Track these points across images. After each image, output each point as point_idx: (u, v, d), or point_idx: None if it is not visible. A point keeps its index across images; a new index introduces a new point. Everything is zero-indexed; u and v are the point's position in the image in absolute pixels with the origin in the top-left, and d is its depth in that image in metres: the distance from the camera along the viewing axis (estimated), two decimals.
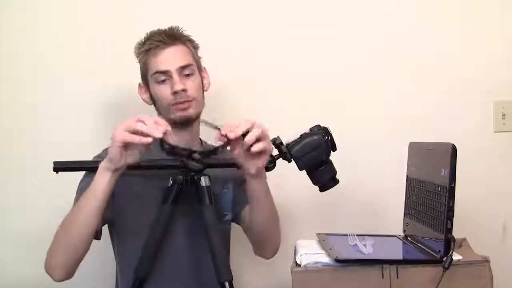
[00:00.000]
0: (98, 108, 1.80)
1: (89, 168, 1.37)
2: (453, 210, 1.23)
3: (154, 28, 1.49)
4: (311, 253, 1.30)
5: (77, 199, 1.38)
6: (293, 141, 1.37)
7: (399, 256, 1.40)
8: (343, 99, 1.90)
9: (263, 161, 1.32)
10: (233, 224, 1.58)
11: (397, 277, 1.22)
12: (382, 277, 1.22)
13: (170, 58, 1.43)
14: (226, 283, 1.30)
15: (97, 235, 1.39)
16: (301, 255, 1.30)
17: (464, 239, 1.40)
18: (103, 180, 1.28)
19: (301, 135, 1.38)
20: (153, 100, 1.49)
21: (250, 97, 1.85)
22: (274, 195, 1.47)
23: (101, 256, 1.56)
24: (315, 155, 1.36)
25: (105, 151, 1.33)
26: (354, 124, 1.87)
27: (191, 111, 1.45)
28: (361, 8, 1.92)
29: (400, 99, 1.92)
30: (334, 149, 1.38)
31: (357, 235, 1.39)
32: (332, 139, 1.37)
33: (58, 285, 1.49)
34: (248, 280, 1.81)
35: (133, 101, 1.58)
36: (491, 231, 1.93)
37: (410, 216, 1.48)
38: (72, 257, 1.33)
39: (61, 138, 1.78)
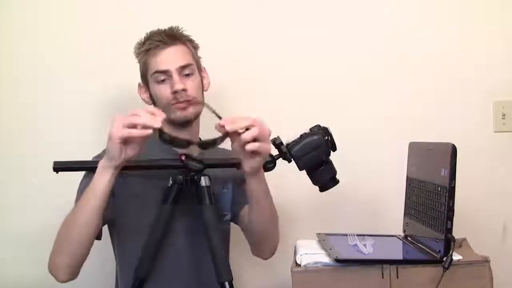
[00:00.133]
0: (98, 108, 1.80)
1: (89, 168, 1.37)
2: (453, 210, 1.23)
3: (154, 28, 1.49)
4: (311, 253, 1.30)
5: (77, 199, 1.38)
6: (293, 141, 1.37)
7: (399, 256, 1.40)
8: (343, 99, 1.90)
9: (258, 161, 1.31)
10: (233, 224, 1.58)
11: (397, 277, 1.22)
12: (382, 277, 1.22)
13: (170, 58, 1.43)
14: (226, 283, 1.30)
15: (98, 235, 1.39)
16: (301, 255, 1.30)
17: (464, 239, 1.39)
18: (103, 179, 1.27)
19: (301, 135, 1.38)
20: (153, 100, 1.49)
21: (250, 97, 1.85)
22: (274, 195, 1.47)
23: (101, 256, 1.56)
24: (315, 155, 1.36)
25: (105, 151, 1.32)
26: (354, 124, 1.87)
27: (190, 111, 1.45)
28: (361, 8, 1.92)
29: (400, 99, 1.92)
30: (334, 149, 1.38)
31: (357, 235, 1.39)
32: (332, 139, 1.37)
33: (58, 285, 1.50)
34: (248, 280, 1.81)
35: (133, 101, 1.58)
36: (491, 231, 1.93)
37: (410, 216, 1.48)
38: (75, 257, 1.33)
39: (61, 138, 1.78)
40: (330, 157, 1.38)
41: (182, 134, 1.47)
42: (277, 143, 1.37)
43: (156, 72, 1.43)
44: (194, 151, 1.49)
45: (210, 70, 1.55)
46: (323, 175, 1.38)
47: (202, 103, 1.46)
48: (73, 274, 1.35)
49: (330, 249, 1.31)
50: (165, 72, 1.43)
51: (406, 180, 1.52)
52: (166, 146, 1.48)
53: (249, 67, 1.86)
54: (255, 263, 1.65)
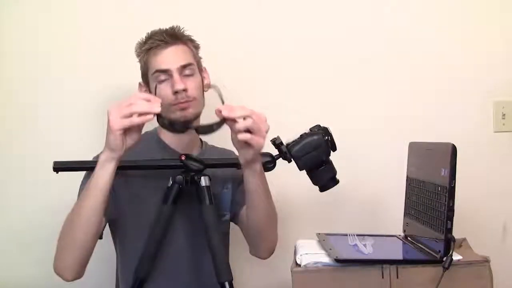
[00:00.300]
0: (98, 108, 1.80)
1: (89, 168, 1.37)
2: (453, 210, 1.23)
3: (154, 28, 1.49)
4: (311, 253, 1.30)
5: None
6: (293, 141, 1.37)
7: (399, 256, 1.40)
8: (343, 99, 1.90)
9: (251, 154, 1.32)
10: (233, 225, 1.58)
11: (397, 277, 1.22)
12: (382, 277, 1.22)
13: (171, 57, 1.43)
14: (226, 283, 1.30)
15: (100, 234, 1.39)
16: (301, 255, 1.30)
17: (464, 239, 1.39)
18: (106, 172, 1.27)
19: (301, 135, 1.38)
20: None
21: (250, 97, 1.84)
22: (274, 195, 1.47)
23: (102, 256, 1.55)
24: (315, 155, 1.36)
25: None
26: (354, 124, 1.87)
27: (190, 111, 1.44)
28: (361, 8, 1.92)
29: (400, 99, 1.93)
30: (334, 149, 1.38)
31: (357, 235, 1.39)
32: (332, 139, 1.37)
33: (58, 285, 1.49)
34: (248, 280, 1.81)
35: None
36: (491, 231, 1.93)
37: (410, 216, 1.48)
38: (80, 255, 1.33)
39: (61, 138, 1.78)
40: (330, 157, 1.38)
41: (182, 137, 1.47)
42: (277, 143, 1.37)
43: (157, 71, 1.43)
44: (195, 151, 1.50)
45: (210, 70, 1.55)
46: (323, 175, 1.38)
47: (202, 104, 1.46)
48: (79, 273, 1.35)
49: (330, 249, 1.31)
50: (165, 71, 1.43)
51: (406, 180, 1.52)
52: (166, 146, 1.50)
53: (249, 67, 1.86)
54: (255, 263, 1.65)
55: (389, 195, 1.84)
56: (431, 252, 1.29)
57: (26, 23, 1.80)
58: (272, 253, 1.56)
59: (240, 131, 1.26)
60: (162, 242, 1.37)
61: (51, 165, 1.38)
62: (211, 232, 1.33)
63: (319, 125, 1.39)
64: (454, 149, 1.23)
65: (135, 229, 1.44)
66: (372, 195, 1.90)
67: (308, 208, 1.85)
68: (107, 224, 1.44)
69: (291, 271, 1.27)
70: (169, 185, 1.36)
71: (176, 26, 1.48)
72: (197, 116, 1.47)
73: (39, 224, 1.76)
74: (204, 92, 1.51)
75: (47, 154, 1.45)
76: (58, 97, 1.80)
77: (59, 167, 1.39)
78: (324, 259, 1.26)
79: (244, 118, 1.26)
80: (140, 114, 1.21)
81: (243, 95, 1.84)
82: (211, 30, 1.79)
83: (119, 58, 1.75)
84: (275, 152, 1.40)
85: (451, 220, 1.23)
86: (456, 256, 1.23)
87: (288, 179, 1.60)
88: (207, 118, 1.48)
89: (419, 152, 1.48)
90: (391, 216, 1.65)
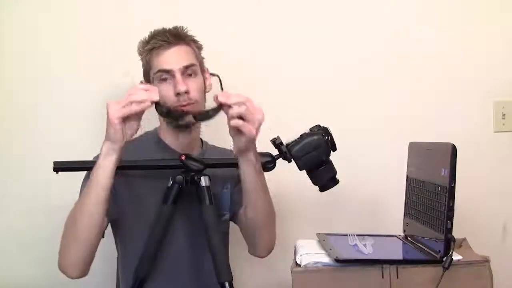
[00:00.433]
0: (98, 108, 1.79)
1: (89, 168, 1.37)
2: (453, 210, 1.23)
3: (154, 28, 1.48)
4: (311, 253, 1.30)
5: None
6: (293, 141, 1.37)
7: (399, 256, 1.40)
8: (343, 99, 1.90)
9: (243, 142, 1.32)
10: (233, 225, 1.58)
11: (397, 277, 1.22)
12: (382, 277, 1.22)
13: (173, 58, 1.43)
14: (226, 283, 1.30)
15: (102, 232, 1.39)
16: (301, 255, 1.30)
17: (464, 239, 1.39)
18: (108, 163, 1.29)
19: (301, 135, 1.38)
20: None
21: (250, 97, 1.84)
22: (274, 195, 1.46)
23: (103, 256, 1.55)
24: (315, 155, 1.36)
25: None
26: (354, 124, 1.87)
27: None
28: (361, 8, 1.92)
29: (400, 99, 1.93)
30: (334, 149, 1.38)
31: (357, 235, 1.39)
32: (332, 139, 1.37)
33: (58, 285, 1.50)
34: (248, 280, 1.81)
35: None
36: (491, 231, 1.93)
37: (410, 216, 1.48)
38: (84, 252, 1.33)
39: (61, 138, 1.78)
40: (330, 157, 1.38)
41: (183, 138, 1.47)
42: (277, 143, 1.37)
43: (159, 71, 1.43)
44: (195, 151, 1.50)
45: (210, 70, 1.55)
46: (323, 175, 1.38)
47: (203, 105, 1.46)
48: (83, 270, 1.35)
49: (330, 249, 1.31)
50: (168, 71, 1.42)
51: (406, 180, 1.52)
52: (166, 146, 1.50)
53: (249, 67, 1.86)
54: (255, 263, 1.65)
55: (389, 195, 1.84)
56: (431, 252, 1.29)
57: (26, 23, 1.80)
58: (271, 252, 1.55)
59: (233, 117, 1.29)
60: (162, 242, 1.37)
61: (51, 165, 1.38)
62: (211, 232, 1.33)
63: (319, 125, 1.39)
64: (454, 149, 1.23)
65: (135, 229, 1.44)
66: (372, 195, 1.90)
67: (308, 208, 1.85)
68: (109, 224, 1.44)
69: (291, 271, 1.27)
70: (169, 185, 1.36)
71: (180, 26, 1.48)
72: None
73: (39, 224, 1.76)
74: (206, 93, 1.51)
75: (47, 154, 1.45)
76: (58, 97, 1.80)
77: (59, 167, 1.39)
78: (324, 259, 1.26)
79: (240, 106, 1.29)
80: (139, 102, 1.25)
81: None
82: (211, 30, 1.78)
83: (119, 58, 1.75)
84: (275, 152, 1.40)
85: (451, 220, 1.23)
86: (456, 256, 1.23)
87: (288, 179, 1.60)
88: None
89: (419, 152, 1.48)
90: (391, 216, 1.65)
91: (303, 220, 1.85)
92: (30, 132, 1.79)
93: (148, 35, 1.47)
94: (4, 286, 1.78)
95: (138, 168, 1.42)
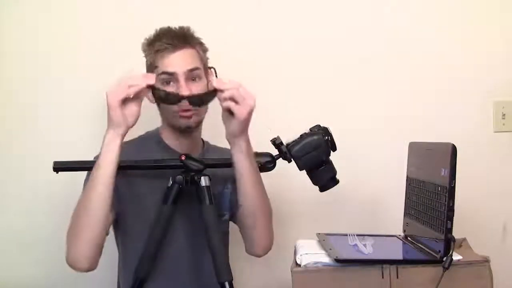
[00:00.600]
0: (98, 108, 1.79)
1: (89, 168, 1.37)
2: (453, 210, 1.23)
3: (154, 28, 1.48)
4: (311, 253, 1.30)
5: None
6: (293, 141, 1.37)
7: (399, 256, 1.40)
8: (343, 99, 1.90)
9: (235, 125, 1.33)
10: (233, 225, 1.58)
11: (397, 277, 1.22)
12: (382, 277, 1.22)
13: (178, 61, 1.42)
14: (226, 283, 1.30)
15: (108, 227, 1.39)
16: (301, 255, 1.30)
17: (464, 239, 1.39)
18: (113, 148, 1.30)
19: (301, 135, 1.38)
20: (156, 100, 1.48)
21: None
22: (274, 195, 1.46)
23: (103, 256, 1.55)
24: (315, 155, 1.36)
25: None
26: (354, 124, 1.87)
27: (194, 119, 1.45)
28: (361, 8, 1.92)
29: (400, 99, 1.93)
30: (334, 149, 1.38)
31: (357, 235, 1.38)
32: (332, 139, 1.38)
33: (58, 285, 1.50)
34: (248, 280, 1.81)
35: None
36: (491, 231, 1.93)
37: (410, 216, 1.48)
38: (92, 242, 1.33)
39: (61, 138, 1.78)
40: (330, 157, 1.38)
41: (184, 140, 1.48)
42: (277, 143, 1.37)
43: (163, 73, 1.43)
44: (196, 152, 1.50)
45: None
46: (323, 175, 1.38)
47: (205, 108, 1.46)
48: (92, 262, 1.35)
49: (330, 249, 1.31)
50: (171, 74, 1.42)
51: (406, 180, 1.52)
52: (166, 146, 1.50)
53: (249, 67, 1.86)
54: (255, 263, 1.65)
55: (389, 195, 1.84)
56: (431, 252, 1.29)
57: (26, 23, 1.80)
58: (267, 251, 1.53)
59: (225, 99, 1.31)
60: (162, 242, 1.37)
61: (51, 165, 1.38)
62: (211, 232, 1.33)
63: (319, 125, 1.39)
64: (454, 149, 1.23)
65: (135, 229, 1.44)
66: (372, 195, 1.90)
67: (308, 208, 1.85)
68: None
69: (291, 271, 1.27)
70: (169, 185, 1.36)
71: (186, 27, 1.48)
72: (199, 123, 1.49)
73: (39, 224, 1.76)
74: None
75: (47, 154, 1.45)
76: (58, 97, 1.80)
77: (59, 167, 1.39)
78: (324, 259, 1.26)
79: (232, 90, 1.31)
80: (135, 86, 1.29)
81: None
82: (211, 30, 1.77)
83: (119, 58, 1.75)
84: (275, 152, 1.40)
85: (451, 220, 1.23)
86: (456, 256, 1.23)
87: (288, 179, 1.60)
88: (208, 120, 1.49)
89: (419, 152, 1.48)
90: (391, 216, 1.65)
91: (303, 220, 1.85)
92: (30, 132, 1.80)
93: (154, 34, 1.47)
94: (4, 286, 1.78)
95: (138, 168, 1.42)
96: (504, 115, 1.96)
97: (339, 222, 1.85)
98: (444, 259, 1.21)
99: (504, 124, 1.96)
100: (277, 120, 1.78)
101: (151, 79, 1.30)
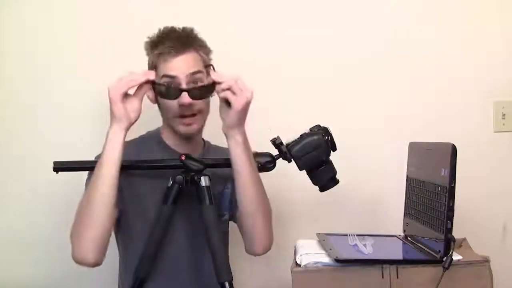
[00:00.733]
0: (98, 108, 1.80)
1: (89, 168, 1.37)
2: (453, 210, 1.23)
3: (154, 28, 1.47)
4: (311, 253, 1.30)
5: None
6: (293, 141, 1.37)
7: (399, 256, 1.40)
8: (343, 99, 1.90)
9: (232, 116, 1.34)
10: (233, 225, 1.58)
11: (397, 277, 1.22)
12: (382, 277, 1.22)
13: (180, 65, 1.42)
14: (226, 283, 1.30)
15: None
16: (301, 255, 1.30)
17: (464, 239, 1.39)
18: (116, 142, 1.31)
19: (301, 135, 1.38)
20: (157, 101, 1.48)
21: None
22: (274, 195, 1.46)
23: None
24: (315, 155, 1.36)
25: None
26: (354, 124, 1.87)
27: (194, 127, 1.45)
28: (361, 8, 1.92)
29: (400, 99, 1.93)
30: (334, 149, 1.38)
31: (357, 235, 1.39)
32: (332, 139, 1.38)
33: (58, 285, 1.50)
34: (248, 280, 1.81)
35: None
36: (491, 231, 1.93)
37: (410, 216, 1.48)
38: (99, 235, 1.33)
39: (61, 138, 1.78)
40: (330, 157, 1.38)
41: (185, 145, 1.48)
42: (277, 143, 1.37)
43: (165, 76, 1.43)
44: (197, 152, 1.49)
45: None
46: (323, 175, 1.38)
47: (207, 112, 1.47)
48: (99, 257, 1.35)
49: (330, 249, 1.31)
50: (173, 77, 1.42)
51: (406, 180, 1.52)
52: (167, 146, 1.50)
53: (249, 67, 1.85)
54: (255, 263, 1.65)
55: (389, 195, 1.84)
56: (431, 252, 1.29)
57: (26, 23, 1.80)
58: (267, 251, 1.52)
59: (223, 89, 1.33)
60: (162, 242, 1.37)
61: (51, 165, 1.38)
62: (211, 232, 1.33)
63: (319, 125, 1.39)
64: (454, 149, 1.23)
65: (135, 229, 1.44)
66: (372, 195, 1.90)
67: (308, 208, 1.85)
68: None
69: (291, 271, 1.27)
70: (169, 185, 1.36)
71: (190, 29, 1.47)
72: (200, 130, 1.49)
73: (39, 224, 1.76)
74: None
75: (47, 154, 1.45)
76: (58, 97, 1.80)
77: (59, 167, 1.39)
78: (324, 259, 1.26)
79: (230, 81, 1.34)
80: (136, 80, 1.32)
81: None
82: (211, 30, 1.77)
83: (119, 58, 1.75)
84: (275, 152, 1.40)
85: (451, 220, 1.23)
86: (456, 256, 1.23)
87: (288, 179, 1.60)
88: (208, 120, 1.49)
89: (419, 152, 1.48)
90: (391, 216, 1.65)
91: (303, 220, 1.85)
92: (30, 132, 1.80)
93: (157, 35, 1.46)
94: (4, 286, 1.78)
95: (138, 168, 1.42)
96: (504, 115, 1.96)
97: (339, 222, 1.85)
98: (444, 259, 1.21)
99: (504, 124, 1.96)
100: (277, 120, 1.78)
101: (151, 75, 1.33)
